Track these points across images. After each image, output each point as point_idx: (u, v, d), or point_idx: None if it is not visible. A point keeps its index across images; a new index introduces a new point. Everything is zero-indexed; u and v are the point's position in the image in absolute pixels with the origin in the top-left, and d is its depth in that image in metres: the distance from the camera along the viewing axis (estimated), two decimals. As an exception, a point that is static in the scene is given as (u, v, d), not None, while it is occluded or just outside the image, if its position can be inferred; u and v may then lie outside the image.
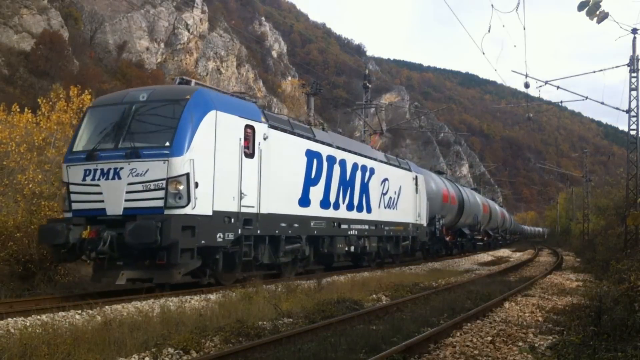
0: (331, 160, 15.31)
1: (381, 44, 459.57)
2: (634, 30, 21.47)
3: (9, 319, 7.53)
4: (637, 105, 22.94)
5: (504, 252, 39.58)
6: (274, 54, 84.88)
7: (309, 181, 14.08)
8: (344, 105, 74.94)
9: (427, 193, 23.80)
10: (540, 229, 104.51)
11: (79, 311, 8.25)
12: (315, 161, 14.42)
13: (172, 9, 59.85)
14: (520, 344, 7.40)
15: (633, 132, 23.61)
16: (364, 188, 17.41)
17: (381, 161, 19.22)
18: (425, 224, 23.05)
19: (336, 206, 15.53)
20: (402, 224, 20.51)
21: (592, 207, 43.74)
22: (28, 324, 7.26)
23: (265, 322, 8.02)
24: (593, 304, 9.34)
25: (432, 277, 16.60)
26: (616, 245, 23.52)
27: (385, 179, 19.14)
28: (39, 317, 7.72)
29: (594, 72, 28.13)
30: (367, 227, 17.42)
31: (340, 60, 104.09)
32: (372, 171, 18.04)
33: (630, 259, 14.83)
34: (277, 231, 12.60)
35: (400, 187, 20.36)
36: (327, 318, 8.42)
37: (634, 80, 22.83)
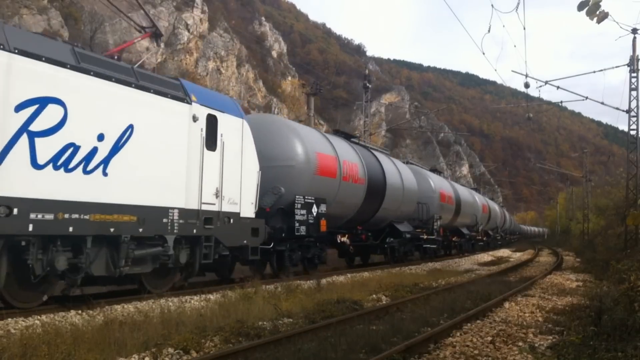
0: None
1: (381, 44, 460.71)
2: (634, 30, 21.53)
3: (9, 319, 7.51)
4: (637, 105, 22.99)
5: (503, 253, 39.72)
6: (274, 54, 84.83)
7: None
8: (344, 105, 75.02)
9: (280, 159, 14.24)
10: (539, 229, 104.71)
11: (79, 311, 8.24)
12: None
13: (172, 9, 59.84)
14: (520, 344, 7.41)
15: (633, 132, 23.70)
16: None
17: (23, 54, 7.73)
18: (249, 213, 12.21)
19: None
20: (135, 208, 9.30)
21: (592, 207, 43.84)
22: (28, 324, 7.26)
23: (265, 322, 8.01)
24: (593, 304, 9.36)
25: (432, 277, 16.61)
26: (616, 245, 23.60)
27: (43, 101, 7.97)
28: (39, 317, 7.71)
29: (594, 72, 28.22)
30: None
31: (340, 60, 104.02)
32: None
33: (630, 259, 14.83)
34: None
35: (129, 127, 9.28)
36: (327, 318, 8.41)
37: (634, 80, 22.88)
